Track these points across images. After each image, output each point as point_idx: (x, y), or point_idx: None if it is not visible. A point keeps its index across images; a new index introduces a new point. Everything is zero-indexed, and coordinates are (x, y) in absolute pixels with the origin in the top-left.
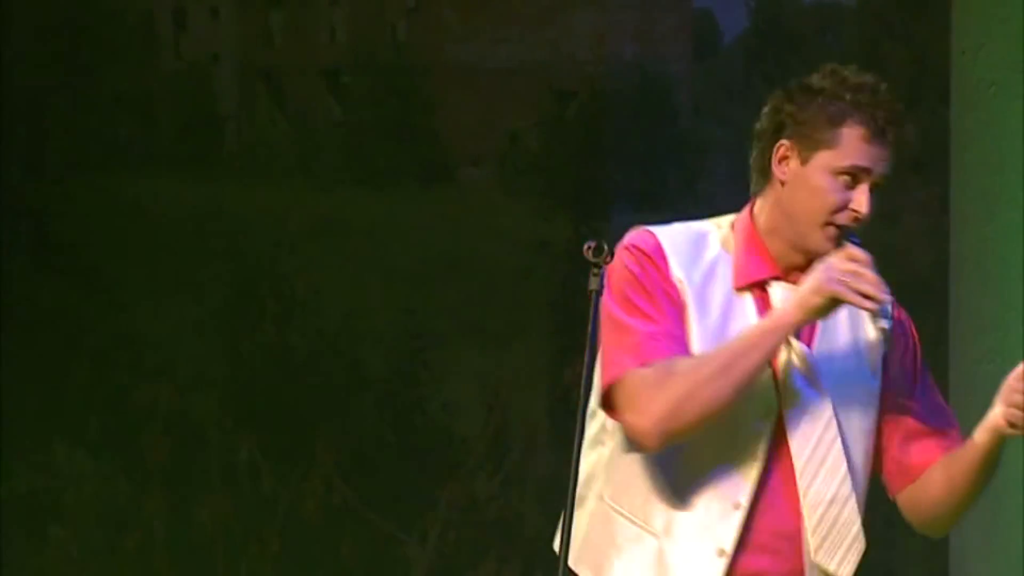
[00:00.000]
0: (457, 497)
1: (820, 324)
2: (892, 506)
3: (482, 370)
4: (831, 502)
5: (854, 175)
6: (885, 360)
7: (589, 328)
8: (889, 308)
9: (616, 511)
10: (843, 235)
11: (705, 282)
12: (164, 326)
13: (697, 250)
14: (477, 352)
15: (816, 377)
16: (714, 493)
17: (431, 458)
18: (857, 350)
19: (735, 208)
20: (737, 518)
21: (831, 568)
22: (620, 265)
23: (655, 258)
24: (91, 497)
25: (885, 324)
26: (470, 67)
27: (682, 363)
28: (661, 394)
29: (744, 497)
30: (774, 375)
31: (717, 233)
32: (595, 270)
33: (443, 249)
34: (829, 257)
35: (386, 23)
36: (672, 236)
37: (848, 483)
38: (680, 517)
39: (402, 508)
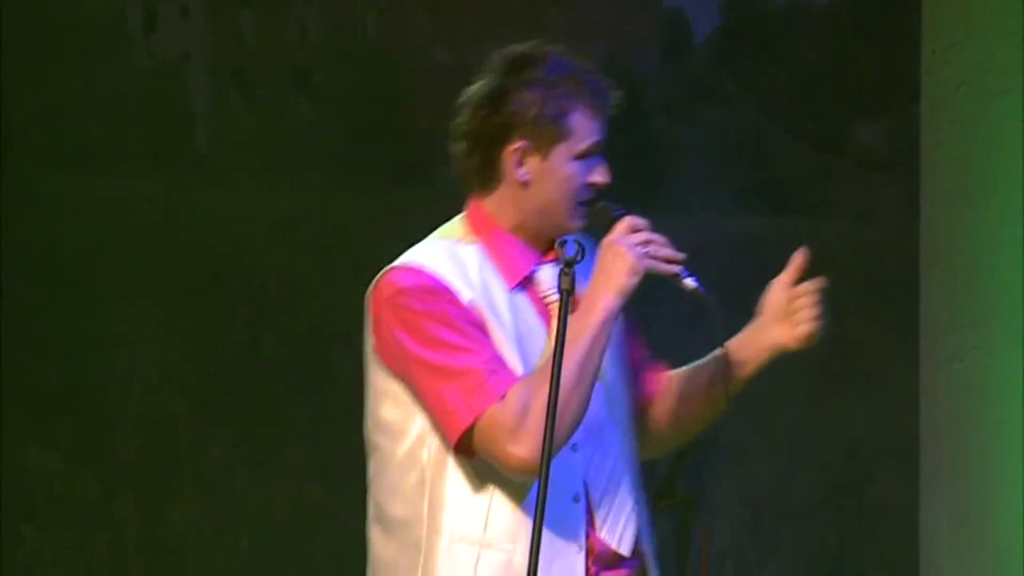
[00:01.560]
0: None
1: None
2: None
3: None
4: (608, 480)
5: (591, 154)
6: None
7: (559, 327)
8: (687, 269)
9: (461, 540)
10: (600, 211)
11: (485, 293)
12: (134, 326)
13: (463, 269)
14: None
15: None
16: (556, 492)
17: None
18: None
19: (710, 207)
20: (579, 510)
21: (612, 544)
22: (408, 312)
23: (439, 291)
24: (61, 497)
25: (693, 282)
26: (443, 66)
27: (536, 381)
28: (537, 418)
29: (580, 488)
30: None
31: (466, 246)
32: (566, 268)
33: None
34: (614, 235)
35: (358, 22)
36: (437, 264)
37: (622, 461)
38: (527, 522)
39: None
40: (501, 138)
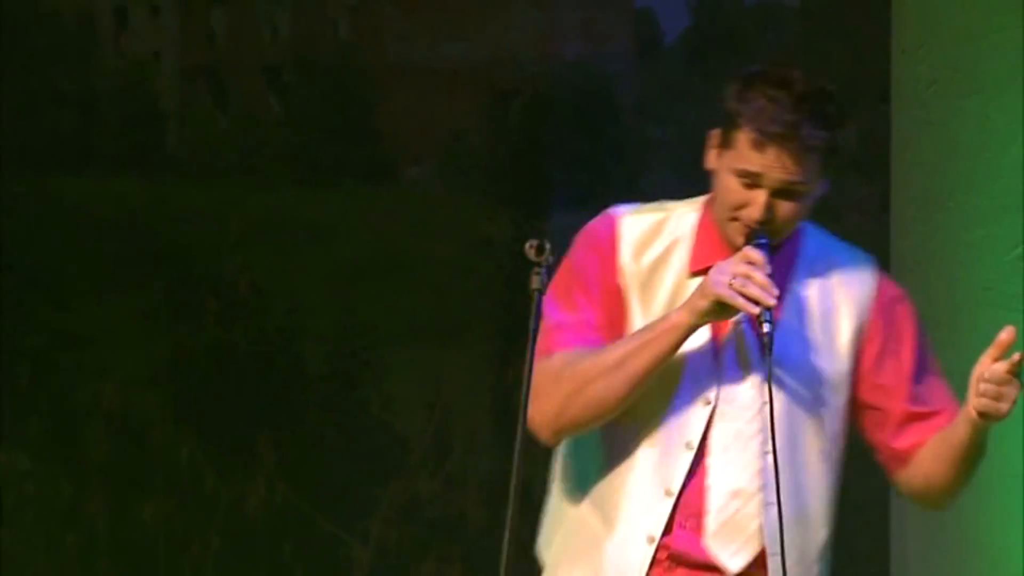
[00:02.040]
0: (399, 496)
1: (786, 309)
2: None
3: (424, 369)
4: (735, 494)
5: (749, 178)
6: (861, 346)
7: (531, 327)
8: (771, 314)
9: (567, 492)
10: (753, 233)
11: (655, 266)
12: (106, 325)
13: (654, 235)
14: (419, 351)
15: (753, 370)
16: (648, 480)
17: (373, 457)
18: (822, 340)
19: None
20: (668, 505)
21: (721, 559)
22: (571, 247)
23: (603, 244)
24: (33, 496)
25: (767, 328)
26: (412, 66)
27: (579, 358)
28: (554, 390)
29: (675, 485)
30: (717, 363)
31: (684, 216)
32: (536, 269)
33: (385, 248)
34: (729, 259)
35: (328, 22)
36: (634, 220)
37: (758, 479)
38: (616, 504)
39: (344, 507)
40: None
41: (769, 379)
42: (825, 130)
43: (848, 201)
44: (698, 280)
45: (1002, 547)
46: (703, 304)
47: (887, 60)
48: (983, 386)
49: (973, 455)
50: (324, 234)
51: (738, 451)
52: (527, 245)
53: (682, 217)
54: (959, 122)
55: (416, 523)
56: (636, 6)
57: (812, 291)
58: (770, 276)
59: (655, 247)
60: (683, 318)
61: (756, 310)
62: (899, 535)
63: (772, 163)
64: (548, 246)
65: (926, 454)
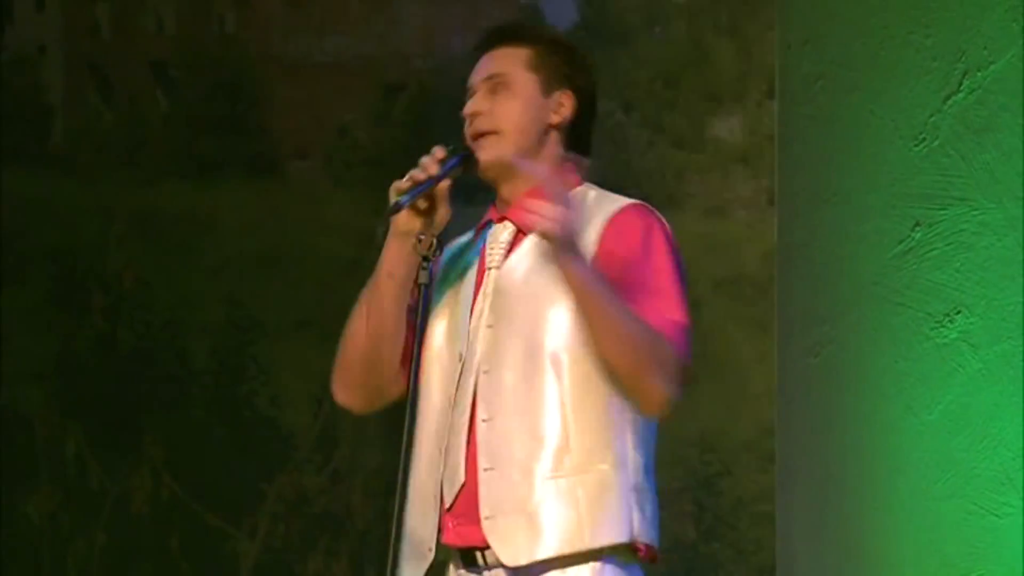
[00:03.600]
0: (286, 491)
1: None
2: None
3: (311, 363)
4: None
5: (469, 92)
6: (593, 254)
7: (419, 320)
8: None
9: None
10: (471, 135)
11: (466, 244)
12: None
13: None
14: (306, 345)
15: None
16: (427, 441)
17: (260, 451)
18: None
19: None
20: (441, 464)
21: (447, 499)
22: (665, 239)
23: (438, 238)
24: None
25: (402, 200)
26: (298, 60)
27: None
28: (340, 350)
29: (444, 440)
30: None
31: None
32: (424, 264)
33: (271, 242)
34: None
35: (214, 15)
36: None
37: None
38: (414, 471)
39: (230, 502)
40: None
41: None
42: (516, 36)
43: (734, 196)
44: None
45: (886, 536)
46: (388, 207)
47: (772, 55)
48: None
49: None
50: (209, 228)
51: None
52: (415, 240)
53: None
54: (845, 118)
55: (303, 517)
56: (521, 2)
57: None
58: (420, 241)
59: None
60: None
61: (432, 172)
62: (785, 527)
63: (479, 67)
64: (435, 241)
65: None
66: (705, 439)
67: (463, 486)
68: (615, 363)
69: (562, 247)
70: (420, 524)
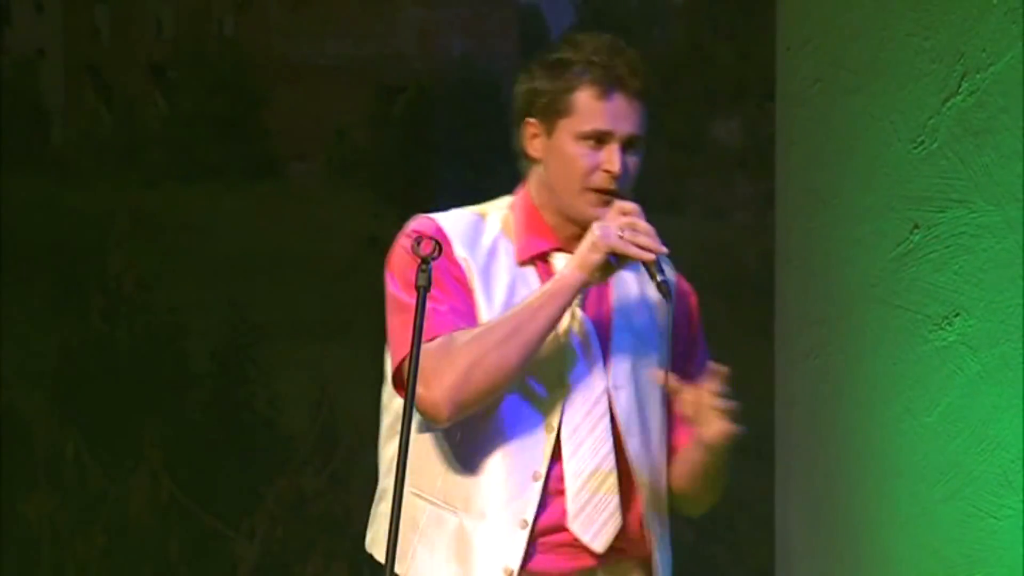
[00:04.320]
0: (284, 493)
1: (612, 294)
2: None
3: (310, 365)
4: (592, 474)
5: (597, 138)
6: (673, 332)
7: (416, 323)
8: (667, 262)
9: (415, 495)
10: (606, 198)
11: (489, 261)
12: None
13: (476, 232)
14: (305, 347)
15: (593, 348)
16: (512, 465)
17: (258, 454)
18: (649, 318)
19: None
20: (536, 489)
21: (585, 539)
22: (401, 251)
23: (437, 240)
24: None
25: (664, 275)
26: (297, 62)
27: (468, 333)
28: (449, 365)
29: (542, 467)
30: (564, 345)
31: (496, 215)
32: (423, 266)
33: (271, 244)
34: (604, 217)
35: (213, 18)
36: (452, 220)
37: (611, 458)
38: (480, 492)
39: (229, 504)
40: (523, 113)
41: (669, 328)
42: (650, 81)
43: (733, 198)
44: (529, 268)
45: (885, 538)
46: (596, 258)
47: (772, 58)
48: (686, 407)
49: (704, 472)
50: (209, 231)
51: (587, 433)
52: (413, 242)
53: (494, 215)
54: (844, 120)
55: (302, 520)
56: (521, 3)
57: (630, 277)
58: (420, 243)
59: (482, 241)
60: (575, 275)
61: (651, 257)
62: (783, 529)
63: (618, 112)
64: (435, 243)
65: (681, 457)
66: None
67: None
68: (699, 498)
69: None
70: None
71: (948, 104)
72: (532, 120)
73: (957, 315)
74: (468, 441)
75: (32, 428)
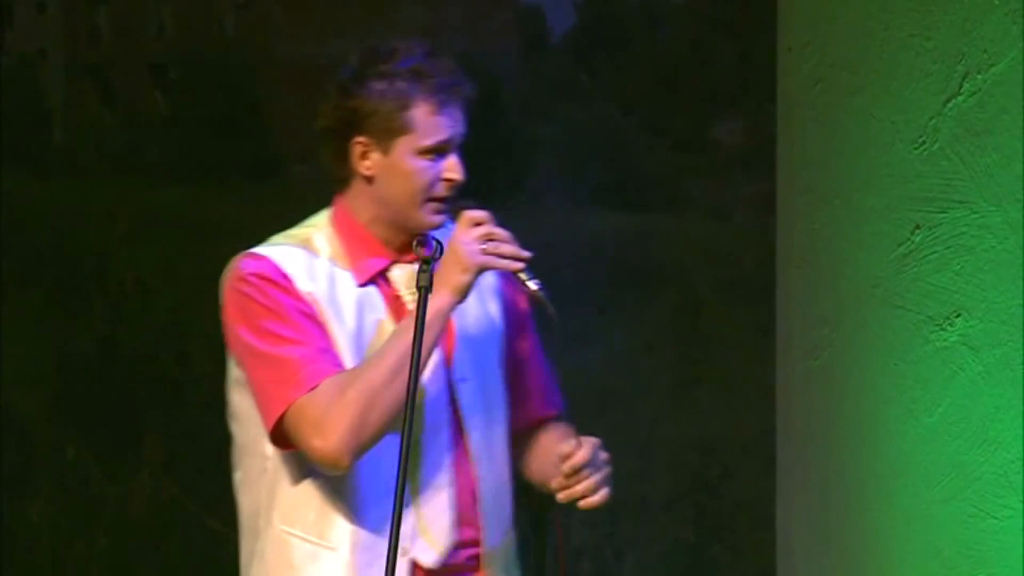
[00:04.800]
0: None
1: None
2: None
3: None
4: (446, 487)
5: (437, 149)
6: (505, 316)
7: (417, 323)
8: (530, 267)
9: (289, 534)
10: (446, 204)
11: (331, 288)
12: None
13: (310, 264)
14: None
15: (440, 363)
16: (387, 494)
17: None
18: (483, 322)
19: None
20: (411, 514)
21: (420, 556)
22: (244, 298)
23: (278, 280)
24: None
25: (534, 284)
26: (299, 63)
27: (351, 376)
28: (342, 412)
29: (415, 493)
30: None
31: (320, 241)
32: (424, 266)
33: None
34: (457, 231)
35: (214, 18)
36: (283, 255)
37: (452, 470)
38: (357, 525)
39: (231, 506)
40: (347, 131)
41: (555, 329)
42: (466, 76)
43: (734, 199)
44: (371, 288)
45: (886, 539)
46: (466, 278)
47: (773, 58)
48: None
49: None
50: (211, 232)
51: (432, 443)
52: (414, 242)
53: (319, 244)
54: (845, 120)
55: None
56: (521, 3)
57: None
58: (420, 245)
59: (318, 274)
60: (448, 299)
61: (519, 266)
62: (784, 530)
63: (452, 121)
64: (436, 242)
65: (536, 453)
66: (705, 442)
67: None
68: None
69: None
70: None
71: (949, 105)
72: (361, 139)
73: (958, 315)
74: (344, 475)
75: (33, 430)
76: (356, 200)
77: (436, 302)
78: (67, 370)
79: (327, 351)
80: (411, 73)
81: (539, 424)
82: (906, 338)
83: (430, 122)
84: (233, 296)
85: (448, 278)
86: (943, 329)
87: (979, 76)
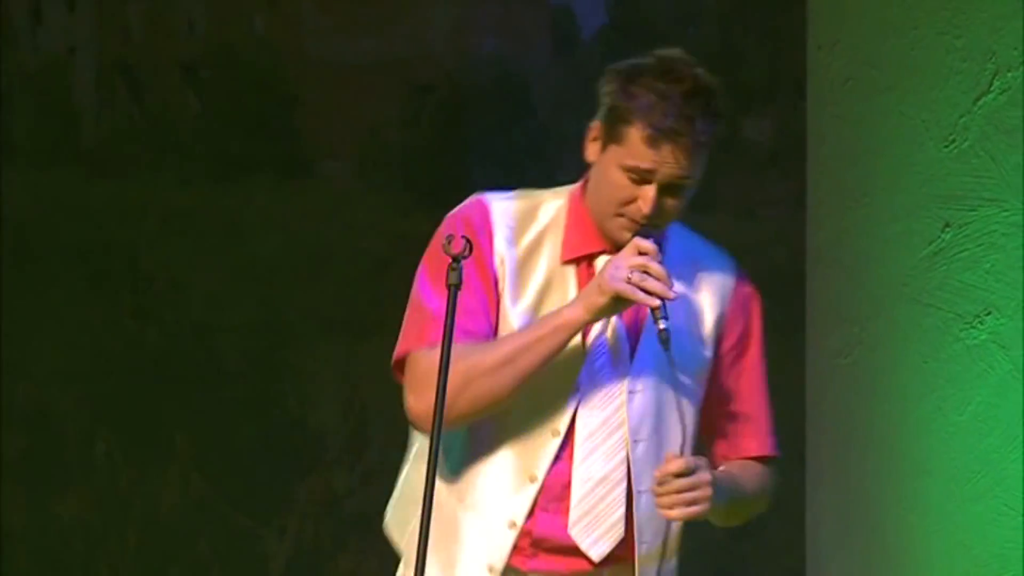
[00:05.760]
0: (316, 491)
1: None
2: None
3: (341, 364)
4: (600, 481)
5: (640, 175)
6: (720, 336)
7: (447, 322)
8: (668, 307)
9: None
10: (638, 228)
11: (529, 254)
12: (20, 320)
13: (527, 222)
14: (336, 346)
15: (622, 359)
16: (509, 466)
17: (290, 452)
18: (690, 332)
19: None
20: (532, 491)
21: (583, 546)
22: (441, 233)
23: (478, 229)
24: None
25: (663, 324)
26: (329, 61)
27: (467, 351)
28: (443, 384)
29: (539, 470)
30: (585, 353)
31: (553, 203)
32: (454, 264)
33: (302, 243)
34: (618, 253)
35: (245, 16)
36: (506, 207)
37: (623, 468)
38: (474, 487)
39: (260, 502)
40: (596, 113)
41: (673, 370)
42: (714, 125)
43: (764, 197)
44: (571, 268)
45: (916, 537)
46: (601, 301)
47: (803, 56)
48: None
49: (734, 509)
50: (241, 230)
51: (603, 439)
52: (444, 240)
53: (550, 205)
54: (875, 118)
55: (333, 518)
56: (552, 2)
57: (678, 285)
58: (451, 242)
59: (528, 234)
60: (578, 315)
61: (656, 303)
62: (814, 528)
63: (666, 159)
64: (466, 241)
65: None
66: None
67: None
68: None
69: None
70: None
71: (979, 103)
72: (597, 124)
73: (988, 313)
74: (473, 434)
75: (63, 427)
76: (589, 182)
77: (567, 314)
78: (97, 367)
79: (474, 313)
80: (657, 95)
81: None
82: (936, 336)
83: (639, 148)
84: (441, 229)
85: (587, 294)
86: (973, 327)
87: (1009, 74)
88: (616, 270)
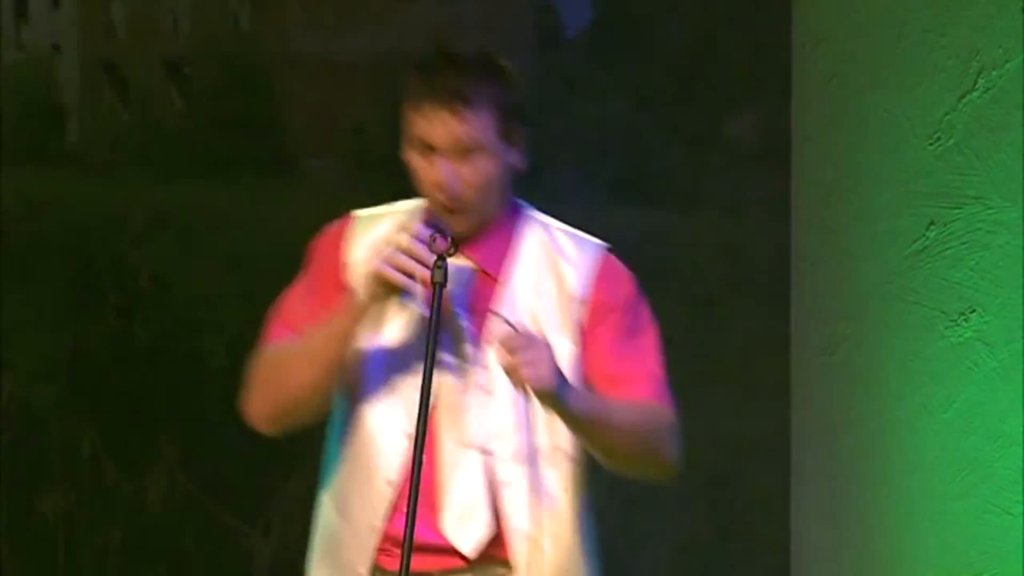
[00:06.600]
0: (300, 489)
1: (507, 293)
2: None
3: None
4: (459, 477)
5: (422, 148)
6: (583, 325)
7: (432, 319)
8: (419, 289)
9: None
10: (447, 205)
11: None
12: (5, 318)
13: (383, 231)
14: None
15: (471, 356)
16: (371, 471)
17: (274, 450)
18: (547, 322)
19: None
20: (388, 494)
21: (454, 541)
22: (311, 246)
23: (332, 242)
24: None
25: (409, 302)
26: (313, 59)
27: (277, 349)
28: (258, 381)
29: (395, 474)
30: (433, 353)
31: (413, 213)
32: (438, 262)
33: (287, 240)
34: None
35: (229, 14)
36: (369, 218)
37: (481, 461)
38: (347, 496)
39: (245, 500)
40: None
41: (448, 335)
42: (483, 85)
43: (749, 194)
44: None
45: (900, 535)
46: (372, 286)
47: (788, 53)
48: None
49: (611, 434)
50: (225, 227)
51: (457, 438)
52: (428, 238)
53: (410, 215)
54: (860, 116)
55: None
56: (537, 1)
57: (531, 270)
58: (435, 240)
59: (384, 236)
60: (357, 301)
61: (406, 282)
62: (799, 526)
63: (435, 127)
64: (451, 238)
65: None
66: (720, 438)
67: None
68: (625, 465)
69: (555, 395)
70: None
71: (964, 100)
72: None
73: (973, 311)
74: (343, 446)
75: (48, 425)
76: None
77: (347, 300)
78: (82, 365)
79: (309, 317)
80: (418, 71)
81: None
82: (921, 334)
83: (412, 120)
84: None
85: (364, 283)
86: (958, 325)
87: (994, 72)
88: (381, 252)
